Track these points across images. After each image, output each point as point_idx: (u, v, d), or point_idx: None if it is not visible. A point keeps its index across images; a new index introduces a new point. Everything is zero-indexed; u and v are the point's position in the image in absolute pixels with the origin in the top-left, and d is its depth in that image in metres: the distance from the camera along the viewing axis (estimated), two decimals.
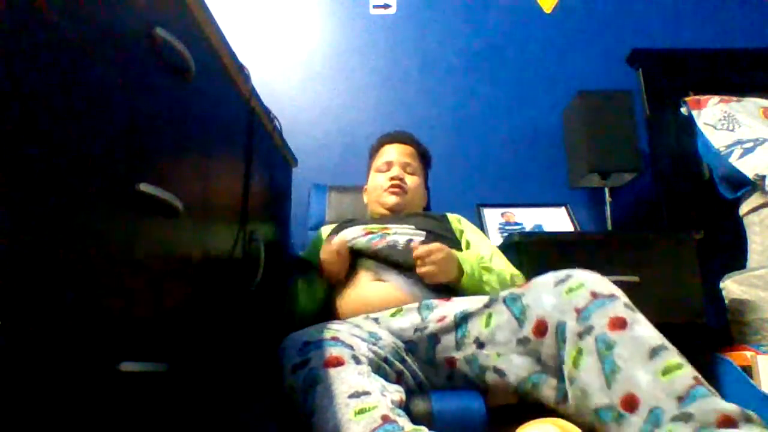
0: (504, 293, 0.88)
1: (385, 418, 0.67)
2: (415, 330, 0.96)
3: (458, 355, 0.91)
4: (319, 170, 1.94)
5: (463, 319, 0.90)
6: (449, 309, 0.95)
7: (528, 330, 0.81)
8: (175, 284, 0.65)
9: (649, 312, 1.43)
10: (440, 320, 0.93)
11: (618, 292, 0.81)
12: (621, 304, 0.77)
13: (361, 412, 0.68)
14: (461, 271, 1.10)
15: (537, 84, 2.18)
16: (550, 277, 0.84)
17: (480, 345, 0.87)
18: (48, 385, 0.41)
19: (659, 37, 2.21)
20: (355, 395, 0.70)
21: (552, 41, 2.23)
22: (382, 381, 0.75)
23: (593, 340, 0.74)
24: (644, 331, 0.74)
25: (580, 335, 0.75)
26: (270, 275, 1.10)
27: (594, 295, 0.78)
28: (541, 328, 0.80)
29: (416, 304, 1.01)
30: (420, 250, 1.06)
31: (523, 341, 0.81)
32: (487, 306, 0.88)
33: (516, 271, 1.23)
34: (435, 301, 1.01)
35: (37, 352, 0.40)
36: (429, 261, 1.05)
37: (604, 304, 0.77)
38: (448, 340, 0.92)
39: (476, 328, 0.87)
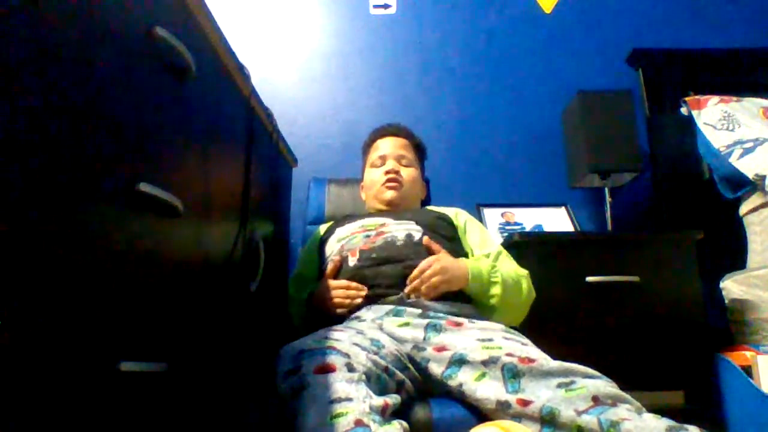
0: (506, 360, 0.83)
1: (358, 422, 0.67)
2: (414, 346, 0.95)
3: (440, 382, 0.90)
4: (319, 170, 1.94)
5: (458, 362, 0.88)
6: (453, 341, 0.93)
7: (513, 400, 0.79)
8: (174, 284, 0.65)
9: (649, 312, 1.46)
10: (438, 350, 0.92)
11: (623, 396, 0.77)
12: (624, 409, 0.73)
13: (337, 416, 0.68)
14: (468, 272, 1.09)
15: (537, 84, 2.18)
16: (553, 381, 0.80)
17: (460, 390, 0.85)
18: (48, 384, 0.41)
19: (659, 37, 2.21)
20: (337, 401, 0.70)
21: (552, 41, 2.23)
22: (369, 390, 0.74)
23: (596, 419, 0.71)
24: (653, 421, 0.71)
25: (579, 414, 0.72)
26: (270, 276, 1.10)
27: (596, 400, 0.75)
28: (528, 404, 0.77)
29: (425, 321, 0.99)
30: (413, 274, 1.06)
31: (504, 404, 0.79)
32: (485, 364, 0.85)
33: (523, 271, 1.21)
34: (444, 324, 0.99)
35: (37, 351, 0.40)
36: (425, 284, 1.05)
37: (605, 410, 0.72)
38: (436, 369, 0.90)
39: (466, 377, 0.85)
